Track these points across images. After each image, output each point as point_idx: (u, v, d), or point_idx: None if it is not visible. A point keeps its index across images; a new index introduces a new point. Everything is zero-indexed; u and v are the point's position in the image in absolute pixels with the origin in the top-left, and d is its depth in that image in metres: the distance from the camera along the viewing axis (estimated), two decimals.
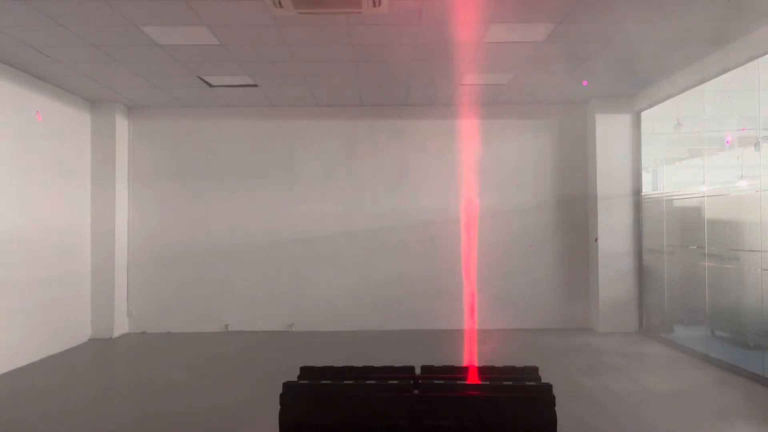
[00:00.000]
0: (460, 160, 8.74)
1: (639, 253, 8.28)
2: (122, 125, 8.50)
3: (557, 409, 3.23)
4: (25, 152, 6.81)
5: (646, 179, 8.31)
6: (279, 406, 3.28)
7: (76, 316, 7.86)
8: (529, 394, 3.28)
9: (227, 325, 8.61)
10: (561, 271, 8.70)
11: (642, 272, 8.25)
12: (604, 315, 8.26)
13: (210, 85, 7.43)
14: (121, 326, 8.42)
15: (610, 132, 8.38)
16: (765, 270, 5.63)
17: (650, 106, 7.94)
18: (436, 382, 3.45)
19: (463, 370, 3.73)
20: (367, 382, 3.47)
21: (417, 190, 8.72)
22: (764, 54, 5.63)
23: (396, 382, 3.49)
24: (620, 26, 5.45)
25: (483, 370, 3.71)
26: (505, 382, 3.41)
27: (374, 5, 4.86)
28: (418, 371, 3.78)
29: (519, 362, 3.84)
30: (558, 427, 3.20)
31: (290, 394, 3.30)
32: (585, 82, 7.53)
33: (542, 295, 8.67)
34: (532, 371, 3.66)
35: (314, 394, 3.34)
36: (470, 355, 6.41)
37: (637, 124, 8.34)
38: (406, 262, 8.64)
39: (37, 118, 6.98)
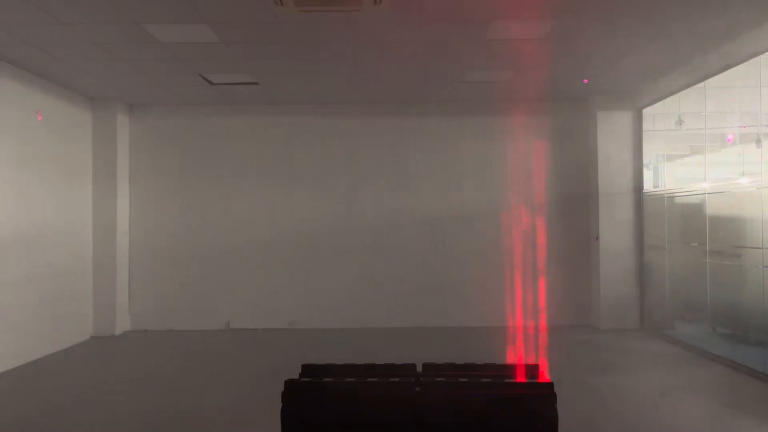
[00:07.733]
0: (461, 158, 8.74)
1: (640, 250, 8.28)
2: (123, 123, 8.50)
3: (559, 406, 3.23)
4: (27, 150, 6.81)
5: (648, 176, 8.30)
6: (280, 404, 3.29)
7: (78, 313, 7.88)
8: (530, 391, 3.28)
9: (229, 322, 8.62)
10: (562, 268, 8.69)
11: (643, 269, 8.25)
12: (606, 312, 8.26)
13: (211, 82, 7.42)
14: (123, 324, 8.44)
15: (611, 129, 8.37)
16: (766, 267, 5.63)
17: (651, 102, 7.93)
18: (437, 379, 3.46)
19: (464, 368, 3.73)
20: (369, 379, 3.47)
21: (418, 188, 8.71)
22: (766, 51, 5.62)
23: (398, 379, 3.49)
24: (621, 22, 5.43)
25: (484, 368, 3.71)
26: (506, 380, 3.42)
27: (375, 2, 4.85)
28: (419, 369, 3.78)
29: (520, 359, 3.84)
30: (560, 424, 3.20)
31: (292, 392, 3.30)
32: (586, 80, 7.52)
33: (543, 292, 8.66)
34: (534, 369, 3.67)
35: (316, 391, 3.35)
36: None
37: (638, 120, 8.32)
38: (407, 260, 8.64)
39: (37, 117, 6.98)
